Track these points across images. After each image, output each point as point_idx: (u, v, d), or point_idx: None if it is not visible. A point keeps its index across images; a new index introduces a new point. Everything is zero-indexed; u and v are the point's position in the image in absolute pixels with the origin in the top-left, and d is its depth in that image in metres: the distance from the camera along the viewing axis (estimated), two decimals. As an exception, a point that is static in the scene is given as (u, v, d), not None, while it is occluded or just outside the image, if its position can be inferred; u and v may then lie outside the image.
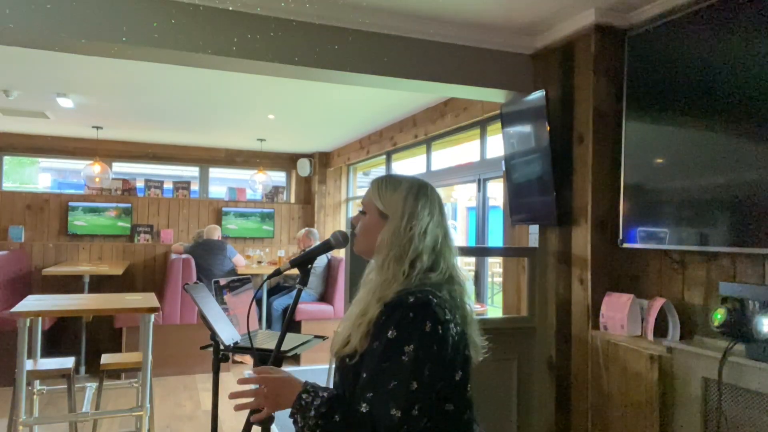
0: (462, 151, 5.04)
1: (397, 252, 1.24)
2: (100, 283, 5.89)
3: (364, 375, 1.13)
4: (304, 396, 1.13)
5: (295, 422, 1.15)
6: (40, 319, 3.55)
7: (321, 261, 6.04)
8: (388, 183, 1.32)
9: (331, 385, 1.36)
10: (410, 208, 1.27)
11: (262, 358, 2.09)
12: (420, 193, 1.30)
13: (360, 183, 7.75)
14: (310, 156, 7.83)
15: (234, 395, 1.20)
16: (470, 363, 1.24)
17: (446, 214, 1.34)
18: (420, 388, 1.09)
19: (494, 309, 5.52)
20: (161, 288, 5.63)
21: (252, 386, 1.20)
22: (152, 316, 3.30)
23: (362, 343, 1.17)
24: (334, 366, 1.29)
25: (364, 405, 1.09)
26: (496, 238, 4.13)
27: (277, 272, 1.47)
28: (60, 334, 5.68)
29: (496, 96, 3.18)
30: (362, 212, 1.35)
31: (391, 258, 1.24)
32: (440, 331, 1.14)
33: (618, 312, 2.50)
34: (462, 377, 1.20)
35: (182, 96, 4.78)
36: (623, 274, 2.70)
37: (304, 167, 7.72)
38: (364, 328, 1.17)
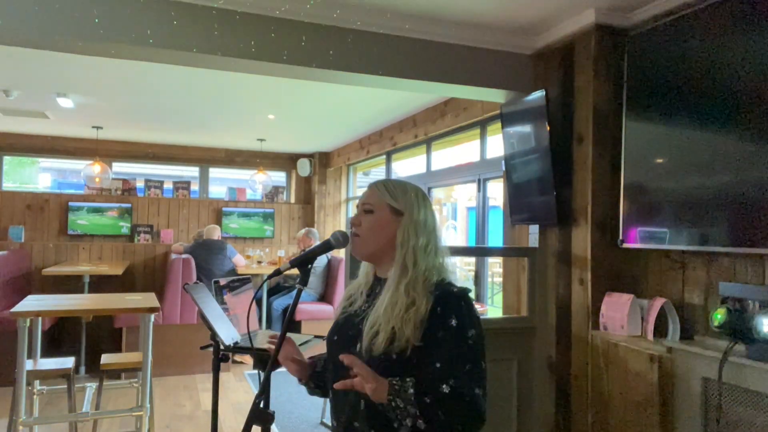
0: (462, 151, 5.04)
1: (423, 244, 1.30)
2: (100, 283, 5.89)
3: (438, 364, 1.18)
4: (394, 382, 1.16)
5: (391, 409, 1.16)
6: (40, 319, 3.55)
7: (321, 261, 6.05)
8: (395, 183, 1.38)
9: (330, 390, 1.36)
10: (422, 205, 1.35)
11: (262, 358, 2.09)
12: (425, 195, 1.39)
13: (360, 183, 7.75)
14: (310, 156, 7.83)
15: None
16: None
17: None
18: (485, 367, 1.21)
19: (494, 309, 5.51)
20: (161, 288, 5.63)
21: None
22: (152, 316, 3.30)
23: (415, 335, 1.21)
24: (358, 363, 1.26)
25: (445, 386, 1.16)
26: (496, 238, 4.13)
27: (277, 272, 1.47)
28: (60, 334, 5.69)
29: (496, 96, 3.18)
30: (368, 211, 1.35)
31: (421, 250, 1.29)
32: (479, 316, 1.27)
33: (618, 312, 2.50)
34: None
35: (182, 96, 4.78)
36: (623, 274, 2.70)
37: (304, 167, 7.72)
38: (415, 320, 1.21)
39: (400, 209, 1.33)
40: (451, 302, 1.23)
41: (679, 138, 2.37)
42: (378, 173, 7.75)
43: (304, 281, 1.37)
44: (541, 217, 2.95)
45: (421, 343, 1.21)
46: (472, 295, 1.31)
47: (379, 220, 1.33)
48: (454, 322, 1.20)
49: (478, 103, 3.89)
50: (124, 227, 6.90)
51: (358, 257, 1.39)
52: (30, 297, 3.53)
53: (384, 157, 6.26)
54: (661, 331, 2.40)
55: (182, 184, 7.46)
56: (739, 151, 2.11)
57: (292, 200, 8.04)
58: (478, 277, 4.40)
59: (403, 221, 1.32)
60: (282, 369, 1.52)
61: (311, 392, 1.51)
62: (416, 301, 1.22)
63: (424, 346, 1.21)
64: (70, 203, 6.70)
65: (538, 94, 2.87)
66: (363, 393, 1.21)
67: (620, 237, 2.59)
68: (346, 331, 1.35)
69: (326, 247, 1.42)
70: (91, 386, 3.79)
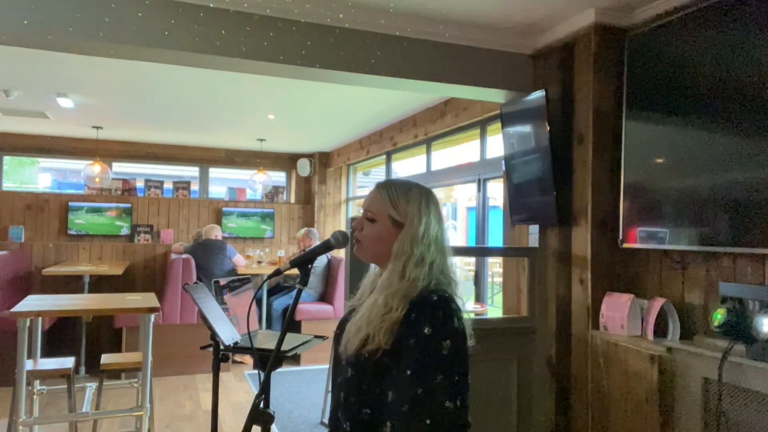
0: (462, 151, 5.04)
1: (418, 257, 1.28)
2: (100, 283, 5.89)
3: (408, 372, 1.16)
4: None
5: None
6: (40, 319, 3.55)
7: (321, 261, 6.04)
8: (399, 191, 1.34)
9: (330, 384, 1.37)
10: (425, 215, 1.32)
11: (262, 358, 2.09)
12: (430, 200, 1.35)
13: (360, 183, 7.75)
14: (310, 156, 7.83)
15: None
16: None
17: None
18: (461, 381, 1.17)
19: (494, 309, 5.52)
20: (161, 288, 5.63)
21: None
22: (152, 316, 3.30)
23: (387, 340, 1.20)
24: (343, 363, 1.28)
25: (414, 395, 1.14)
26: (496, 238, 4.13)
27: (277, 272, 1.47)
28: (60, 334, 5.68)
29: (496, 96, 3.18)
30: (370, 219, 1.34)
31: (412, 262, 1.27)
32: (463, 326, 1.22)
33: (618, 312, 2.50)
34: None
35: (182, 96, 4.78)
36: (623, 274, 2.70)
37: (304, 167, 7.72)
38: (388, 325, 1.20)
39: (400, 221, 1.31)
40: (427, 310, 1.20)
41: (679, 138, 2.37)
42: (378, 173, 7.76)
43: (304, 281, 1.37)
44: (541, 217, 2.95)
45: (391, 347, 1.20)
46: (462, 303, 1.28)
47: (379, 231, 1.32)
48: (427, 330, 1.17)
49: (478, 103, 3.89)
50: (124, 227, 6.90)
51: (361, 259, 1.40)
52: (30, 297, 3.53)
53: (384, 157, 6.26)
54: (661, 331, 2.40)
55: (182, 184, 7.46)
56: (739, 150, 2.11)
57: (292, 200, 8.04)
58: (478, 277, 4.40)
59: (402, 233, 1.30)
60: (282, 369, 1.52)
61: None
62: (392, 309, 1.22)
63: (397, 352, 1.20)
64: (70, 203, 6.70)
65: (538, 94, 2.86)
66: (343, 386, 1.24)
67: (620, 237, 2.59)
68: (342, 327, 1.36)
69: (326, 247, 1.42)
70: (91, 386, 3.79)
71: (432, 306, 1.20)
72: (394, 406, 1.16)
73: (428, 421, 1.12)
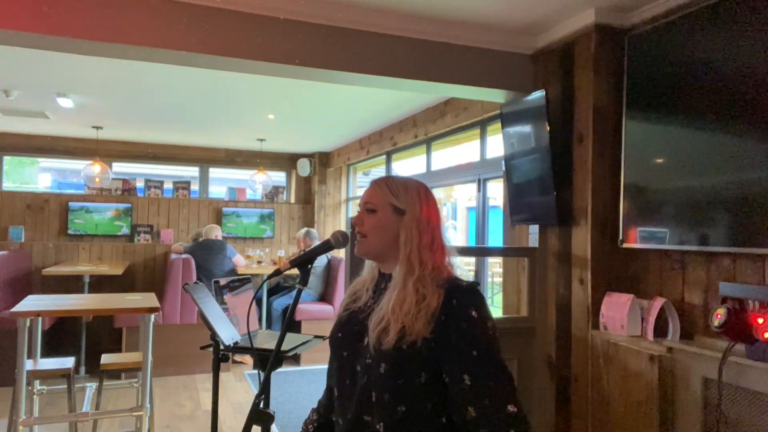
0: (462, 151, 5.04)
1: (427, 241, 1.30)
2: (100, 283, 5.90)
3: (474, 353, 1.19)
4: None
5: None
6: (40, 319, 3.55)
7: (321, 261, 6.05)
8: (397, 181, 1.37)
9: (337, 392, 1.35)
10: (425, 203, 1.35)
11: (262, 358, 2.09)
12: (428, 191, 1.39)
13: (360, 183, 7.75)
14: (310, 156, 7.83)
15: None
16: None
17: None
18: None
19: (494, 309, 5.51)
20: (161, 288, 5.63)
21: None
22: (152, 316, 3.30)
23: (426, 328, 1.21)
24: (371, 360, 1.24)
25: (493, 372, 1.18)
26: (496, 238, 4.13)
27: (277, 272, 1.47)
28: (60, 334, 5.69)
29: (496, 96, 3.18)
30: (371, 210, 1.34)
31: (425, 246, 1.30)
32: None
33: (618, 312, 2.50)
34: None
35: (182, 96, 4.78)
36: (623, 274, 2.70)
37: (304, 167, 7.72)
38: (426, 313, 1.22)
39: (402, 208, 1.32)
40: (466, 295, 1.24)
41: (679, 138, 2.37)
42: (378, 173, 7.75)
43: (304, 281, 1.37)
44: (541, 217, 2.95)
45: (433, 335, 1.20)
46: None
47: (382, 220, 1.33)
48: (474, 313, 1.21)
49: (478, 103, 3.89)
50: (124, 227, 6.90)
51: (362, 256, 1.38)
52: (30, 297, 3.53)
53: (384, 157, 6.26)
54: (661, 331, 2.40)
55: (182, 184, 7.46)
56: (739, 150, 2.11)
57: (292, 200, 8.05)
58: (478, 277, 4.40)
59: (405, 220, 1.31)
60: (282, 369, 1.52)
61: None
62: (426, 297, 1.23)
63: (442, 338, 1.20)
64: (70, 203, 6.70)
65: (538, 94, 2.87)
66: (374, 385, 1.22)
67: (620, 237, 2.60)
68: (350, 328, 1.34)
69: (326, 247, 1.42)
70: (91, 386, 3.80)
71: (467, 291, 1.25)
72: (477, 386, 1.17)
73: (508, 388, 1.19)
